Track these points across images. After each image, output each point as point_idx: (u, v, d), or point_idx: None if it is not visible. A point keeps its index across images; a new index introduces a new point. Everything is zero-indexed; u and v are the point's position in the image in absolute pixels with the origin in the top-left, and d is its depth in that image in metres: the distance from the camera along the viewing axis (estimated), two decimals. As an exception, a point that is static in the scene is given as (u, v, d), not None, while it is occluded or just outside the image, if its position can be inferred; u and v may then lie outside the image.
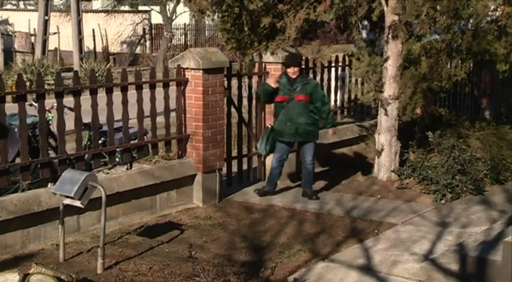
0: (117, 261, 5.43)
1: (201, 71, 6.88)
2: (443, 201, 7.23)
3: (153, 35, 27.90)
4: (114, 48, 26.98)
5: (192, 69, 6.93)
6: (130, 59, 25.08)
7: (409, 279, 5.07)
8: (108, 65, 19.27)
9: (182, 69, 6.97)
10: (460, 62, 7.58)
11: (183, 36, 27.96)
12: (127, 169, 7.19)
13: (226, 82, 7.49)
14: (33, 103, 6.60)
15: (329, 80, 9.26)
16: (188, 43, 27.41)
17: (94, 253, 5.48)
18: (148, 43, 27.61)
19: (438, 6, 6.90)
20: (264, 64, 8.00)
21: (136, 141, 6.89)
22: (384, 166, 8.11)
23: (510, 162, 8.13)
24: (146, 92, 6.70)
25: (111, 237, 6.03)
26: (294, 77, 7.16)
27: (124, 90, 6.52)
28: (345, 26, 7.90)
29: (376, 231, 6.31)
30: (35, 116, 6.35)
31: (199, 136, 7.07)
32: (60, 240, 5.41)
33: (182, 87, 7.02)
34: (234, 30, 7.67)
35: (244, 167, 8.06)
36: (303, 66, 8.59)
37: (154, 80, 6.83)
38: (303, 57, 8.19)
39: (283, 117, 7.21)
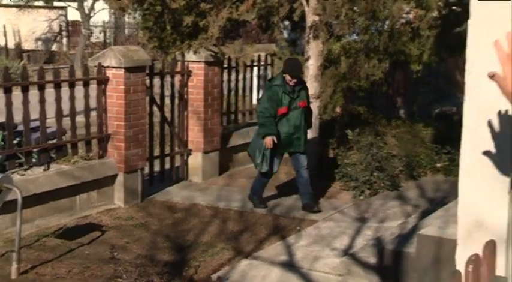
0: (34, 265, 5.27)
1: (123, 69, 6.79)
2: (362, 197, 7.47)
3: (70, 32, 27.15)
4: (28, 45, 26.00)
5: (113, 67, 6.83)
6: (46, 56, 24.24)
7: (330, 273, 5.22)
8: (22, 63, 18.59)
9: (103, 68, 6.86)
10: (377, 62, 7.84)
11: (102, 34, 27.37)
12: (44, 170, 6.98)
13: (148, 81, 7.42)
14: None
15: (251, 79, 9.35)
16: (107, 41, 26.85)
17: (8, 258, 5.28)
18: (65, 40, 26.84)
19: (356, 8, 7.11)
20: (186, 63, 7.98)
21: (54, 141, 6.72)
22: (305, 164, 8.26)
23: (423, 158, 8.49)
24: (65, 90, 6.55)
25: (27, 240, 5.83)
26: (292, 84, 6.71)
27: (41, 88, 6.35)
28: (266, 25, 8.00)
29: (298, 228, 6.44)
30: None
31: (121, 135, 6.97)
32: (-26, 244, 5.22)
33: (103, 85, 6.90)
34: (156, 29, 7.62)
35: (167, 166, 8.03)
36: (226, 66, 8.64)
37: (73, 79, 6.69)
38: (226, 56, 8.22)
39: (289, 129, 6.76)
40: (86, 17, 23.16)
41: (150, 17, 7.39)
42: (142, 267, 5.23)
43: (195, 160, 8.18)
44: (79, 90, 6.69)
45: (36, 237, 6.00)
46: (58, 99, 6.44)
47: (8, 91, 6.04)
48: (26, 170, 6.87)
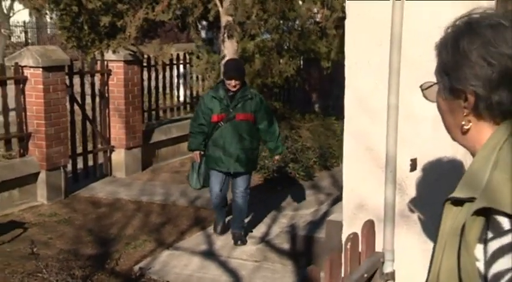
0: (-49, 265, 5.11)
1: (41, 68, 6.63)
2: (279, 188, 7.62)
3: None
4: None
5: (31, 67, 6.66)
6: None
7: (247, 260, 5.33)
8: None
9: (20, 67, 6.67)
10: (289, 59, 8.01)
11: (23, 34, 26.38)
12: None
13: (68, 80, 7.28)
14: None
15: (171, 77, 9.34)
16: (29, 41, 25.88)
17: None
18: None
19: (267, 8, 7.23)
20: (106, 62, 7.87)
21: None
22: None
23: (335, 150, 8.75)
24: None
25: None
26: (234, 90, 5.46)
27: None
28: (183, 25, 8.00)
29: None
30: None
31: (42, 134, 6.81)
32: None
33: (21, 85, 6.72)
34: (74, 29, 7.47)
35: (90, 163, 7.91)
36: (146, 65, 8.55)
37: (-9, 78, 6.48)
38: (145, 56, 8.15)
39: (220, 142, 5.51)
40: (6, 17, 22.31)
41: (67, 17, 7.24)
42: (65, 262, 5.17)
43: (118, 156, 8.10)
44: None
45: (-47, 237, 5.80)
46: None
47: None
48: None
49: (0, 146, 6.90)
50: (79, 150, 7.71)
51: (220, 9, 7.64)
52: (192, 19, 7.53)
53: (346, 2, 2.00)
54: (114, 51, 7.73)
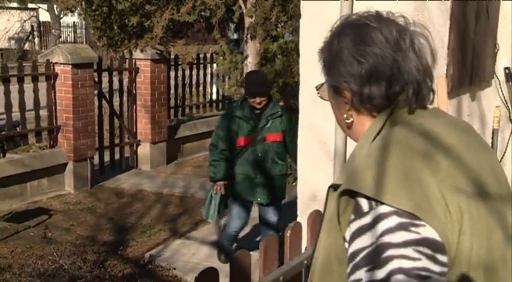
0: (-19, 246, 5.28)
1: (70, 65, 6.79)
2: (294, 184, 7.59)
3: (42, 32, 26.73)
4: (1, 43, 25.57)
5: (61, 63, 6.82)
6: (19, 54, 23.84)
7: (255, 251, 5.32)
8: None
9: (52, 64, 6.83)
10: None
11: (73, 34, 27.01)
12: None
13: (97, 76, 7.42)
14: None
15: (198, 75, 9.40)
16: (78, 40, 26.51)
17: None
18: (37, 40, 26.42)
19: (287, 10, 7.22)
20: (134, 60, 7.99)
21: (6, 132, 6.68)
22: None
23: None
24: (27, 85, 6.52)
25: (-24, 224, 5.83)
26: (260, 107, 4.52)
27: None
28: (209, 26, 8.05)
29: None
30: None
31: (70, 127, 6.97)
32: None
33: (52, 80, 6.88)
34: (105, 28, 7.60)
35: (117, 156, 8.05)
36: (173, 63, 8.61)
37: (22, 74, 6.65)
38: (172, 55, 8.22)
39: (247, 169, 4.61)
40: (56, 18, 22.86)
41: (98, 18, 7.38)
42: (81, 247, 5.28)
43: (144, 150, 8.22)
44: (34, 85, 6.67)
45: (-15, 220, 5.98)
46: (7, 93, 6.39)
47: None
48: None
49: (32, 137, 7.08)
50: (106, 143, 7.84)
51: (244, 11, 7.66)
52: (216, 20, 7.56)
53: (301, 1, 2.00)
54: (141, 50, 7.84)
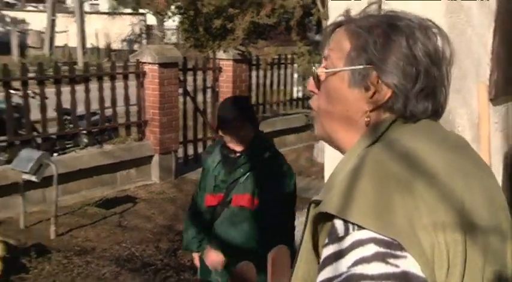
0: (71, 229, 5.44)
1: (157, 65, 6.87)
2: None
3: (148, 34, 27.74)
4: (115, 45, 26.80)
5: (149, 63, 6.92)
6: (130, 54, 24.95)
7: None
8: (106, 60, 19.16)
9: (141, 63, 6.95)
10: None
11: (176, 35, 27.78)
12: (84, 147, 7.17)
13: (182, 75, 7.48)
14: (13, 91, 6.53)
15: (279, 75, 9.26)
16: (180, 41, 27.24)
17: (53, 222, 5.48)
18: (144, 41, 27.43)
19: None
20: (217, 60, 7.98)
21: (100, 125, 6.88)
22: (322, 150, 8.14)
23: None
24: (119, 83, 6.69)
25: (72, 208, 6.03)
26: (238, 149, 2.73)
27: (86, 81, 6.50)
28: (289, 29, 7.88)
29: (302, 208, 6.34)
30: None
31: (157, 122, 7.07)
32: (21, 210, 5.42)
33: (141, 79, 7.00)
34: (191, 30, 7.64)
35: (200, 150, 8.08)
36: (254, 63, 8.51)
37: (114, 72, 6.81)
38: (254, 57, 8.11)
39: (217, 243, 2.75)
40: (160, 21, 23.58)
41: (185, 20, 7.42)
42: (158, 235, 5.31)
43: (225, 144, 8.20)
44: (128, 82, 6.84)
45: (80, 205, 6.17)
46: (100, 90, 6.57)
47: (57, 82, 6.21)
48: (81, 149, 7.12)
49: (122, 131, 7.25)
50: (190, 137, 7.89)
51: (321, 13, 7.41)
52: (294, 23, 7.37)
53: (329, 2, 1.79)
54: (224, 51, 7.81)
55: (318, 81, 1.07)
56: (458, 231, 0.86)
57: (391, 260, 0.83)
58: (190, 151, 7.92)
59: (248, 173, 2.64)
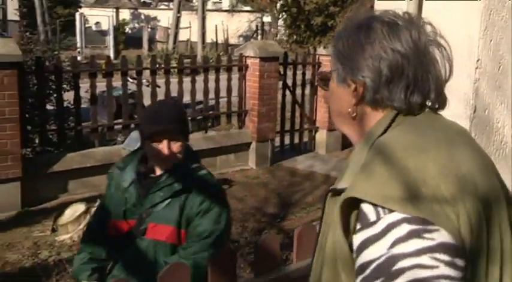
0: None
1: (258, 58, 7.07)
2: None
3: (264, 30, 28.26)
4: (233, 40, 27.66)
5: (251, 57, 7.14)
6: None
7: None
8: (221, 53, 19.87)
9: (244, 57, 7.20)
10: None
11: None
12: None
13: (282, 69, 7.62)
14: (130, 79, 7.09)
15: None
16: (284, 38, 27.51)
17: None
18: (259, 37, 28.00)
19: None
20: (317, 56, 8.02)
21: (204, 113, 7.23)
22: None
23: None
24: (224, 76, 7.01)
25: (175, 186, 6.42)
26: (162, 167, 2.04)
27: (193, 72, 6.86)
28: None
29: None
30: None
31: (256, 111, 7.28)
32: (131, 184, 5.87)
33: (243, 71, 7.25)
34: (293, 27, 7.74)
35: (296, 140, 8.20)
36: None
37: (219, 65, 7.12)
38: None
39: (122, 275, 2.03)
40: (275, 18, 23.93)
41: (288, 18, 7.54)
42: (247, 215, 5.52)
43: (321, 136, 8.24)
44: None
45: (183, 184, 6.56)
46: (206, 81, 6.90)
47: (166, 72, 6.64)
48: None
49: (223, 119, 7.55)
50: (287, 128, 8.03)
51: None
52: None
53: (375, 2, 1.80)
54: (324, 47, 7.83)
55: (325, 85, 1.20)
56: (472, 200, 0.93)
57: (426, 235, 0.88)
58: (287, 141, 8.06)
59: (170, 200, 1.98)
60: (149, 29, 26.09)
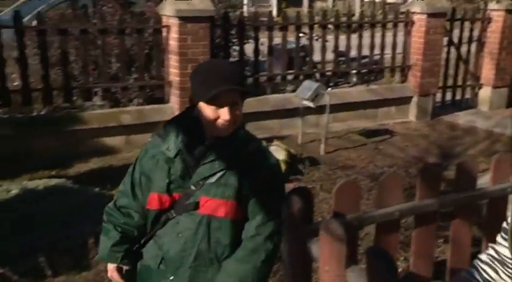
0: (337, 149, 6.11)
1: (425, 15, 6.90)
2: None
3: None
4: (391, -1, 26.49)
5: (418, 13, 6.99)
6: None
7: None
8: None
9: (410, 13, 7.07)
10: None
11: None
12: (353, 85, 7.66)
13: (449, 25, 7.34)
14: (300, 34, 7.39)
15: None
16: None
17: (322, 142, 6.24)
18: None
19: None
20: (488, 11, 7.54)
21: (369, 67, 7.32)
22: None
23: None
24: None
25: (339, 133, 6.68)
26: (221, 134, 1.69)
27: (360, 28, 6.95)
28: None
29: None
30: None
31: (419, 67, 7.17)
32: (299, 130, 6.28)
33: (409, 27, 7.14)
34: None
35: (458, 96, 7.92)
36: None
37: (385, 21, 7.10)
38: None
39: (160, 253, 1.78)
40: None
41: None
42: (408, 162, 5.60)
43: (485, 93, 7.86)
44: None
45: (345, 132, 6.78)
46: (372, 36, 6.95)
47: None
48: (351, 86, 7.72)
49: (387, 73, 7.56)
50: (449, 84, 7.77)
51: None
52: None
53: None
54: (497, 1, 7.32)
55: None
56: None
57: None
58: (448, 97, 7.83)
59: (224, 171, 1.69)
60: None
